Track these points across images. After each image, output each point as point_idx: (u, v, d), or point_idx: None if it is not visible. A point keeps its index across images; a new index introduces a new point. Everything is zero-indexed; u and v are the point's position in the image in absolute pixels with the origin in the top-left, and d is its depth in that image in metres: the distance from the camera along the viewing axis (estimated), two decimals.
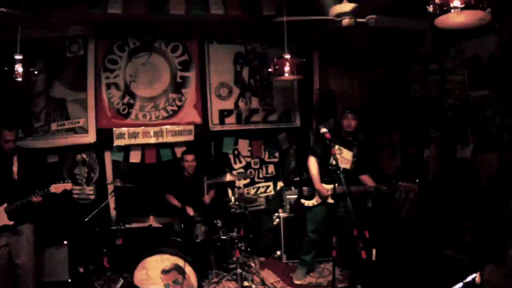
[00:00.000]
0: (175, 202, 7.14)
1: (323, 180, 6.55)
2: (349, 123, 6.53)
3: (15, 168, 5.69)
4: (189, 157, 7.31)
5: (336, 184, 6.23)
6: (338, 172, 5.32)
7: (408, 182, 6.28)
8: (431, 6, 3.60)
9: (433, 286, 4.74)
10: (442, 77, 7.05)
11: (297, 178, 8.09)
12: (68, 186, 5.64)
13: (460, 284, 4.25)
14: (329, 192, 6.45)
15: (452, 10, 3.45)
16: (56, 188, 5.57)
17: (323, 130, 5.71)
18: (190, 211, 6.91)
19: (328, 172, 6.40)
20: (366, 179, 6.61)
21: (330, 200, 6.50)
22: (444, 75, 6.99)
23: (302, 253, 6.95)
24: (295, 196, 7.62)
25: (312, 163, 6.62)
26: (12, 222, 5.53)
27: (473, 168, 6.50)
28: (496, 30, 5.82)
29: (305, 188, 6.68)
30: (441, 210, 6.71)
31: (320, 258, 7.17)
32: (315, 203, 6.61)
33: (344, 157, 6.54)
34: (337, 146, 6.48)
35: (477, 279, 4.30)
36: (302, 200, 6.70)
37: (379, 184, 6.51)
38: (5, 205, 5.50)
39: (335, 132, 6.58)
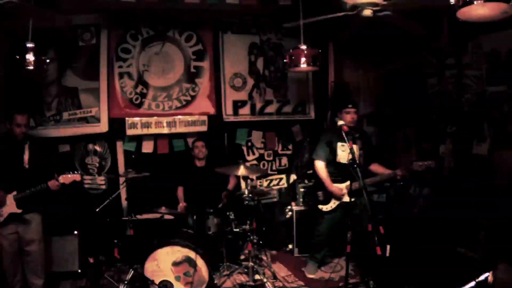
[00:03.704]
0: (180, 194, 7.22)
1: (334, 180, 6.46)
2: (353, 118, 6.40)
3: (26, 157, 5.69)
4: (199, 143, 7.33)
5: (350, 181, 6.21)
6: (355, 166, 5.21)
7: (423, 161, 6.09)
8: None
9: (446, 284, 4.69)
10: (459, 72, 6.98)
11: (311, 171, 8.00)
12: (77, 177, 5.63)
13: (473, 283, 4.20)
14: (344, 191, 6.39)
15: (475, 2, 3.39)
16: (65, 178, 5.56)
17: (341, 122, 5.61)
18: (181, 207, 7.03)
19: (338, 170, 6.40)
20: (377, 167, 6.51)
21: (347, 199, 6.37)
22: (461, 70, 6.92)
23: (314, 251, 6.90)
24: (304, 190, 7.70)
25: (320, 167, 6.53)
26: (20, 210, 5.53)
27: (489, 164, 6.43)
28: None
29: (319, 193, 6.58)
30: (455, 206, 6.64)
31: (333, 254, 7.18)
32: (333, 205, 6.50)
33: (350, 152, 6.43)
34: (339, 143, 6.46)
35: (490, 278, 4.25)
36: (320, 206, 6.57)
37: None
38: (15, 192, 5.50)
39: (334, 130, 6.56)
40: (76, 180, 5.64)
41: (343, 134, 5.46)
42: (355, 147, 6.37)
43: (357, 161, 6.19)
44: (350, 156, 5.46)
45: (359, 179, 5.13)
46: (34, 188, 5.47)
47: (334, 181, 6.44)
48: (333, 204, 6.49)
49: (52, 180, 5.50)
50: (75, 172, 5.66)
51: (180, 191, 7.28)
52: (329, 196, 6.49)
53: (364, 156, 6.43)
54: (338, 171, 6.49)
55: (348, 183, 6.31)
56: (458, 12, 3.63)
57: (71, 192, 6.63)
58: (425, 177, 7.54)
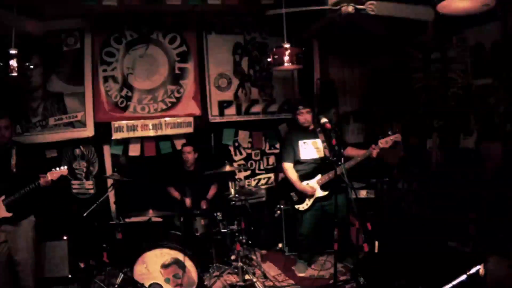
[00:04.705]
0: (175, 194, 7.20)
1: (303, 177, 6.52)
2: (305, 119, 6.51)
3: (13, 161, 5.63)
4: (187, 148, 7.31)
5: (320, 175, 6.31)
6: (340, 163, 5.30)
7: (386, 136, 6.00)
8: None
9: (437, 278, 4.68)
10: (444, 66, 7.00)
11: None
12: (64, 172, 5.57)
13: (464, 276, 4.19)
14: (315, 187, 6.42)
15: None
16: (52, 174, 5.50)
17: (324, 120, 5.67)
18: (188, 202, 7.00)
19: (305, 167, 6.56)
20: (350, 151, 6.46)
21: (320, 193, 6.44)
22: (447, 64, 6.94)
23: (300, 251, 6.99)
24: None
25: (288, 170, 6.61)
26: (10, 214, 5.48)
27: (477, 158, 6.44)
28: (500, 17, 5.75)
29: (293, 194, 6.61)
30: (444, 201, 6.65)
31: (319, 250, 7.14)
32: (309, 203, 6.51)
33: (314, 147, 6.52)
34: (301, 142, 6.55)
35: (481, 271, 4.24)
36: (296, 206, 6.59)
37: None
38: (3, 197, 5.45)
39: (295, 129, 6.68)
40: (63, 175, 5.59)
41: (328, 131, 5.49)
42: (317, 141, 6.44)
43: (324, 155, 6.29)
44: (319, 151, 5.95)
45: (343, 176, 5.16)
46: (24, 190, 5.41)
47: (303, 179, 6.49)
48: (308, 202, 6.50)
49: (41, 178, 5.45)
50: (61, 167, 5.62)
51: (173, 191, 7.27)
52: (302, 195, 6.52)
53: (329, 148, 6.45)
54: (305, 169, 6.55)
55: (318, 177, 6.41)
56: (438, 6, 3.63)
57: (60, 197, 6.62)
58: (413, 172, 7.57)
